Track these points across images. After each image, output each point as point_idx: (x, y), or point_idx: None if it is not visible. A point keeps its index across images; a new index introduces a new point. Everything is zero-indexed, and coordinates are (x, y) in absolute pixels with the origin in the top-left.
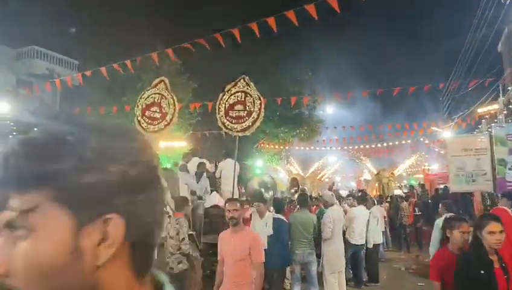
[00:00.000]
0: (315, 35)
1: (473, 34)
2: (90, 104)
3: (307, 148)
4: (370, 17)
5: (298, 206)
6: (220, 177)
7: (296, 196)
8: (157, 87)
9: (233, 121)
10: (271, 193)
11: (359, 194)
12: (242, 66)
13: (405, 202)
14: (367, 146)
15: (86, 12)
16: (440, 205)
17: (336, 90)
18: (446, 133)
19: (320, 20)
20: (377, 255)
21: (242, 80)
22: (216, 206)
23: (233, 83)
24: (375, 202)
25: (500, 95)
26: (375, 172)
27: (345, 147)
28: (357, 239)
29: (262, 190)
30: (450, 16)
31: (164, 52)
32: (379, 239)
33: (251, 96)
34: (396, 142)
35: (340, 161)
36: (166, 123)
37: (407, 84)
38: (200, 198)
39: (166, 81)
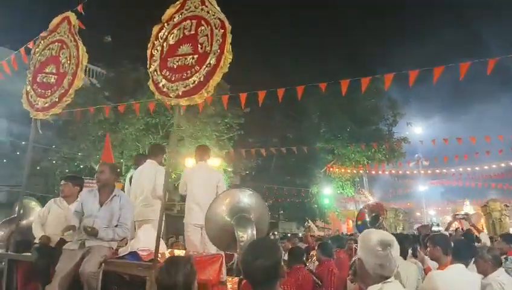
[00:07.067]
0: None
1: None
2: None
3: (386, 173)
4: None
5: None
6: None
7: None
8: (59, 30)
9: (174, 77)
10: (250, 231)
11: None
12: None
13: None
14: (468, 168)
15: None
16: None
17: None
18: None
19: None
20: None
21: None
22: (134, 255)
23: (178, 3)
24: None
25: None
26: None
27: (437, 170)
28: None
29: (233, 222)
30: None
31: None
32: None
33: (207, 25)
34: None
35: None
36: (62, 92)
37: None
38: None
39: (73, 17)
